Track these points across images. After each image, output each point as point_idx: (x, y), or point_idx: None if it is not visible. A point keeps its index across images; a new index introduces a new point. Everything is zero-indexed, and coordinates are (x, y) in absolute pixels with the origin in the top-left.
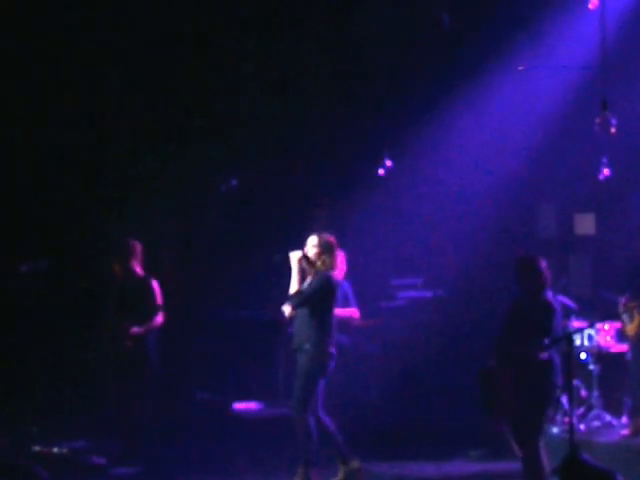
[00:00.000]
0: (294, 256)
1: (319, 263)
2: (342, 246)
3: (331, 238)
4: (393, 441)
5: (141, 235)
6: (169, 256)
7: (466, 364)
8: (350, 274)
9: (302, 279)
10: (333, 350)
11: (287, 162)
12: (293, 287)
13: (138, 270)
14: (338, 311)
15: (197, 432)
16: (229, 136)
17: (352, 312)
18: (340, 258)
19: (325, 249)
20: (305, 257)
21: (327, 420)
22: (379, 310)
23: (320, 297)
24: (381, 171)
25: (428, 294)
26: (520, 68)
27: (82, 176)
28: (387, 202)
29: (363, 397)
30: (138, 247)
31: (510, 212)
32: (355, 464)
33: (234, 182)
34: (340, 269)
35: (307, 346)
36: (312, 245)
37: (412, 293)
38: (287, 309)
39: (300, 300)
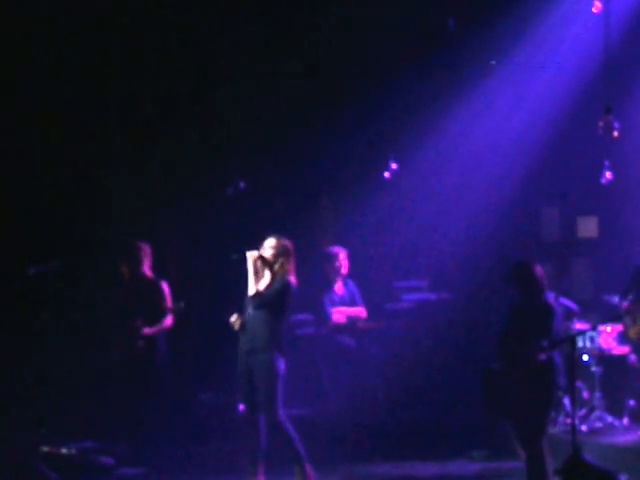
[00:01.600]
0: (250, 256)
1: (277, 266)
2: (347, 247)
3: (288, 243)
4: (397, 441)
5: (148, 237)
6: (176, 259)
7: (470, 366)
8: (355, 276)
9: (257, 279)
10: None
11: (292, 164)
12: (251, 287)
13: (148, 272)
14: (346, 310)
15: (202, 433)
16: (235, 137)
17: (359, 312)
18: (342, 256)
19: (281, 252)
20: (261, 257)
21: (263, 428)
22: (384, 312)
23: (280, 301)
24: (387, 174)
25: (433, 296)
26: (492, 62)
27: (90, 179)
28: (391, 205)
29: (367, 398)
30: (147, 249)
31: (513, 215)
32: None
33: (242, 184)
34: (343, 267)
35: (265, 351)
36: (269, 246)
37: (417, 295)
38: (236, 324)
39: (261, 302)
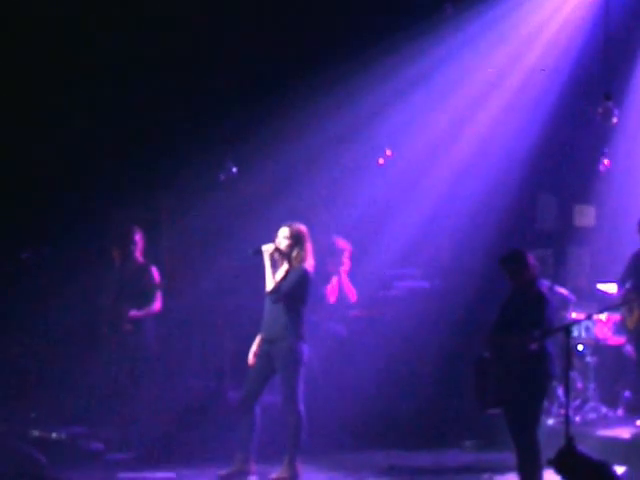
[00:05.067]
0: (266, 249)
1: (294, 255)
2: (338, 233)
3: (302, 228)
4: (388, 432)
5: (140, 222)
6: (168, 244)
7: (462, 355)
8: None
9: (274, 271)
10: (306, 338)
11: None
12: (269, 282)
13: (138, 257)
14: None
15: (192, 419)
16: (227, 120)
17: (350, 291)
18: (346, 254)
19: (297, 240)
20: (277, 249)
21: (258, 417)
22: (375, 300)
23: (299, 291)
24: (381, 160)
25: (425, 284)
26: (490, 70)
27: (81, 163)
28: (385, 191)
29: (359, 387)
30: (139, 234)
31: (509, 203)
32: (249, 468)
33: (234, 169)
34: (345, 265)
35: (285, 338)
36: (283, 236)
37: (409, 283)
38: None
39: (279, 297)
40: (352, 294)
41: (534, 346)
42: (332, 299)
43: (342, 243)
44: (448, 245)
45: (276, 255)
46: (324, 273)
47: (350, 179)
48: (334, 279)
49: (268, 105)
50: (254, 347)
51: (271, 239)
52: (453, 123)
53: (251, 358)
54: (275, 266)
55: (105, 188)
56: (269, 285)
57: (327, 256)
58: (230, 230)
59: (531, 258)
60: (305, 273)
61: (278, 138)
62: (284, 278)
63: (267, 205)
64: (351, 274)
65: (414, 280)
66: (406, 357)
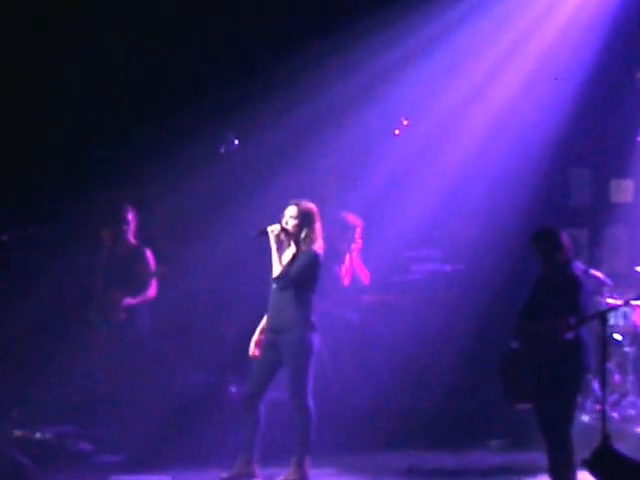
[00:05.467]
0: (272, 230)
1: (302, 236)
2: (350, 211)
3: (312, 207)
4: (405, 430)
5: (132, 200)
6: (163, 224)
7: (487, 345)
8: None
9: (281, 254)
10: (316, 327)
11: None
12: (275, 266)
13: (131, 238)
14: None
15: (190, 417)
16: (227, 88)
17: (363, 273)
18: (358, 231)
19: (305, 219)
20: (284, 230)
21: (262, 415)
22: (391, 285)
23: (307, 276)
24: (397, 131)
25: (446, 268)
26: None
27: (67, 136)
28: (401, 165)
29: (373, 381)
30: (131, 213)
31: (539, 178)
32: (253, 471)
33: (235, 141)
34: (357, 244)
35: (293, 328)
36: (290, 216)
37: (429, 266)
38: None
39: (288, 282)
40: (365, 276)
41: (567, 335)
42: (345, 281)
43: (353, 219)
44: (472, 224)
45: (282, 236)
46: (335, 253)
47: (362, 151)
48: (347, 259)
49: (272, 71)
50: (256, 336)
51: (277, 219)
52: (475, 90)
53: (252, 348)
54: (282, 249)
55: (93, 163)
56: (275, 270)
57: (337, 235)
58: (231, 208)
59: (565, 237)
60: (315, 256)
61: (282, 107)
62: (292, 262)
63: (272, 180)
64: (364, 256)
65: (434, 263)
66: (425, 348)
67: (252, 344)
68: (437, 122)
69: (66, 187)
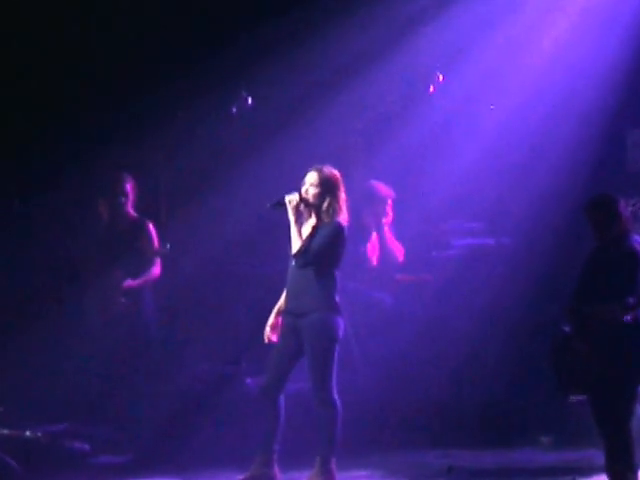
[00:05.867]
0: (290, 200)
1: (324, 207)
2: (381, 180)
3: (335, 172)
4: (444, 425)
5: (134, 169)
6: (168, 195)
7: (537, 329)
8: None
9: (300, 228)
10: (341, 309)
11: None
12: (294, 242)
13: (131, 211)
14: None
15: (201, 413)
16: (241, 41)
17: (397, 248)
18: (389, 203)
19: (328, 188)
20: (303, 200)
21: (282, 409)
22: (427, 262)
23: (331, 251)
24: (431, 88)
25: (490, 241)
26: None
27: (62, 94)
28: (433, 126)
29: (407, 370)
30: (130, 182)
31: (593, 139)
32: (272, 473)
33: (248, 100)
34: (387, 216)
35: (315, 311)
36: (311, 183)
37: (470, 240)
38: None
39: (307, 259)
40: (399, 251)
41: (626, 317)
42: (374, 260)
43: (383, 189)
44: (517, 193)
45: (302, 207)
46: (362, 228)
47: (393, 111)
48: (374, 235)
49: (290, 20)
50: (271, 319)
51: (295, 187)
52: (519, 42)
53: (268, 333)
54: (301, 221)
55: (88, 124)
56: (294, 245)
57: (364, 207)
58: (244, 176)
59: (622, 206)
60: (339, 228)
61: (302, 61)
62: (312, 236)
63: (290, 143)
64: (396, 230)
65: (475, 236)
66: (466, 332)
67: (267, 328)
68: (477, 77)
69: (58, 155)
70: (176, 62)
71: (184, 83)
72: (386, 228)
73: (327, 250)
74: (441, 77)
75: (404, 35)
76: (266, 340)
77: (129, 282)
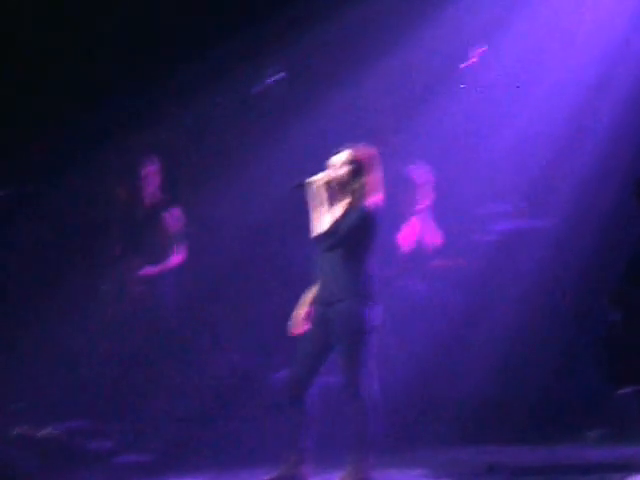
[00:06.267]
0: (316, 180)
1: (355, 187)
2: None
3: (368, 151)
4: (484, 419)
5: (154, 152)
6: (190, 178)
7: (584, 318)
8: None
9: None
10: (376, 298)
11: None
12: (323, 222)
13: (151, 195)
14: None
15: (226, 408)
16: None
17: (433, 232)
18: (428, 187)
19: (360, 167)
20: (334, 179)
21: (313, 405)
22: (464, 247)
23: (362, 235)
24: (467, 64)
25: (529, 225)
26: None
27: (82, 77)
28: (470, 103)
29: (444, 362)
30: (152, 165)
31: None
32: (302, 472)
33: (271, 79)
34: (426, 201)
35: (345, 299)
36: (343, 162)
37: (508, 224)
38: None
39: (336, 241)
40: (437, 239)
41: None
42: (406, 248)
43: (421, 174)
44: (560, 174)
45: (332, 187)
46: (396, 213)
47: (426, 88)
48: (410, 221)
49: None
50: (299, 309)
51: (321, 169)
52: (559, 14)
53: (295, 324)
54: (332, 202)
55: (106, 104)
56: (316, 228)
57: (400, 192)
58: (269, 157)
59: None
60: (370, 211)
61: (334, 36)
62: (342, 217)
63: (321, 123)
64: (432, 214)
65: (516, 219)
66: (506, 321)
67: (295, 320)
68: (517, 52)
69: (77, 138)
70: (195, 43)
71: (204, 64)
72: (424, 214)
73: (356, 233)
74: (478, 52)
75: (438, 6)
76: (295, 332)
77: (148, 269)
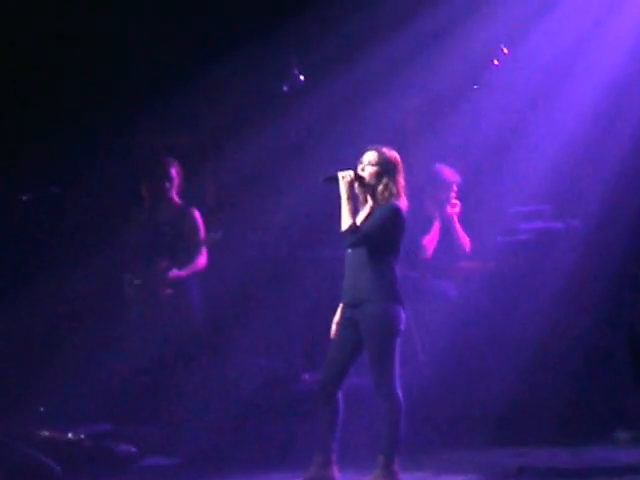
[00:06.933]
0: (344, 177)
1: (381, 188)
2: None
3: (394, 154)
4: (514, 421)
5: (177, 152)
6: (214, 179)
7: (612, 319)
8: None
9: (354, 208)
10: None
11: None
12: (345, 219)
13: (175, 197)
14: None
15: (253, 410)
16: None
17: (462, 239)
18: (456, 188)
19: (386, 168)
20: (359, 178)
21: (341, 407)
22: (493, 248)
23: (387, 234)
24: (496, 61)
25: (559, 225)
26: None
27: (102, 76)
28: (498, 102)
29: (473, 365)
30: (175, 166)
31: None
32: (331, 474)
33: (301, 78)
34: (453, 205)
35: (372, 300)
36: (369, 162)
37: (538, 224)
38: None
39: (360, 238)
40: (465, 242)
41: None
42: (433, 249)
43: (448, 174)
44: (589, 174)
45: (357, 187)
46: (423, 215)
47: (454, 87)
48: (436, 223)
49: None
50: (337, 315)
51: (350, 168)
52: (600, 9)
53: (334, 331)
54: (353, 201)
55: (130, 106)
56: (344, 223)
57: (427, 192)
58: (296, 158)
59: None
60: (395, 211)
61: (359, 36)
62: (367, 216)
63: (345, 124)
64: (460, 214)
65: (545, 220)
66: (536, 324)
67: (334, 326)
68: (547, 50)
69: (98, 134)
70: (224, 43)
71: (235, 61)
72: (454, 219)
73: (380, 232)
74: (506, 50)
75: (465, 6)
76: (333, 337)
77: (175, 272)
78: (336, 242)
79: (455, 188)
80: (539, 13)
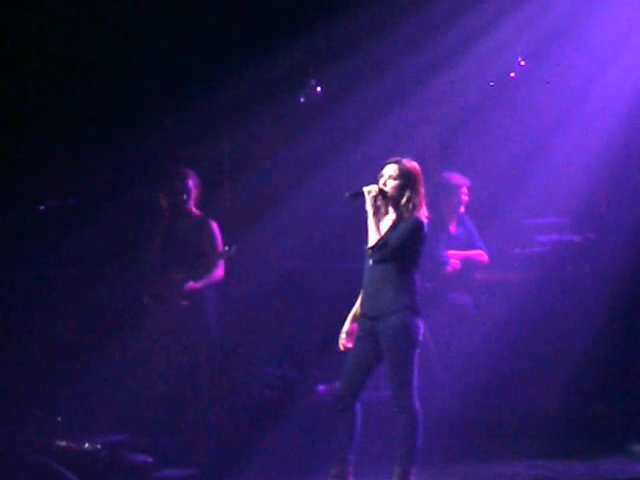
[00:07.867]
0: (368, 192)
1: (403, 201)
2: (461, 171)
3: (415, 166)
4: (530, 434)
5: (195, 163)
6: (231, 191)
7: (626, 329)
8: (471, 211)
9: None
10: (420, 311)
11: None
12: (371, 235)
13: (193, 208)
14: (462, 253)
15: (269, 422)
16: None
17: (479, 255)
18: (465, 189)
19: (408, 181)
20: (381, 192)
21: (358, 418)
22: (510, 259)
23: (410, 248)
24: (512, 74)
25: (576, 237)
26: None
27: (121, 88)
28: (515, 114)
29: (489, 375)
30: (192, 178)
31: None
32: None
33: (318, 90)
34: (464, 203)
35: (394, 312)
36: (390, 175)
37: (554, 236)
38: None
39: (388, 253)
40: (482, 254)
41: None
42: (451, 261)
43: (456, 178)
44: (605, 187)
45: (379, 200)
46: (440, 225)
47: (470, 100)
48: (453, 234)
49: (366, 6)
50: (346, 325)
51: (372, 180)
52: (618, 22)
53: (343, 341)
54: (378, 215)
55: (149, 118)
56: (372, 238)
57: (440, 200)
58: (315, 169)
59: None
60: (419, 224)
61: (377, 49)
62: (391, 230)
63: (364, 136)
64: (477, 226)
65: (560, 232)
66: (550, 334)
67: (342, 335)
68: (562, 63)
69: (116, 145)
70: (242, 53)
71: (252, 72)
72: (467, 224)
73: (405, 245)
74: (522, 62)
75: (484, 20)
76: (341, 348)
77: (191, 284)
78: (352, 254)
79: (465, 190)
80: (566, 23)
